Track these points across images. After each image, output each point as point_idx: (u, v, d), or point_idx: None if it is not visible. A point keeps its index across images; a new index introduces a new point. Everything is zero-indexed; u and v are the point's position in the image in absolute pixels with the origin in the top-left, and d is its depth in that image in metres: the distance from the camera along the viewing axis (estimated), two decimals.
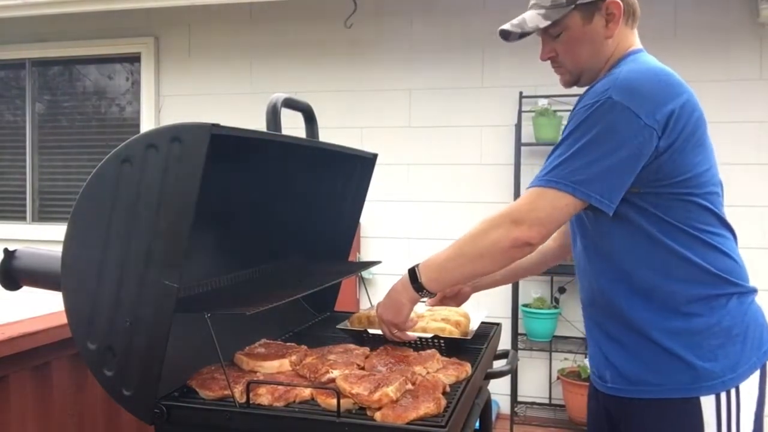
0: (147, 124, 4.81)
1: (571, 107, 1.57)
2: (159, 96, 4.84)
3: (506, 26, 1.52)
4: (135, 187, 1.25)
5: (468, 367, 1.54)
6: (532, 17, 1.47)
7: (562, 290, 4.13)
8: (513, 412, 4.07)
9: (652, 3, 3.53)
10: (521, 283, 4.09)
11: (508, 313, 4.08)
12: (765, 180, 3.87)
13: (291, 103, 1.65)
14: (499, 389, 4.06)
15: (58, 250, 1.39)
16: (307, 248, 2.06)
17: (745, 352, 1.39)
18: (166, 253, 1.24)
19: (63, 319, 1.39)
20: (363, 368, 1.50)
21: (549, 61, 1.55)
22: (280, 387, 1.34)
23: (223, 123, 1.22)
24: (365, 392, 1.27)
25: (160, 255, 1.24)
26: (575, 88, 1.57)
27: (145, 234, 1.25)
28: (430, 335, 1.71)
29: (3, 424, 1.54)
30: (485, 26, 4.18)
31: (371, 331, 1.78)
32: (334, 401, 1.25)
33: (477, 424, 1.62)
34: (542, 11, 1.46)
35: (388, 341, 1.67)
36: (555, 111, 3.97)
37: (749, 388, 1.39)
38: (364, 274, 4.08)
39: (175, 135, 1.22)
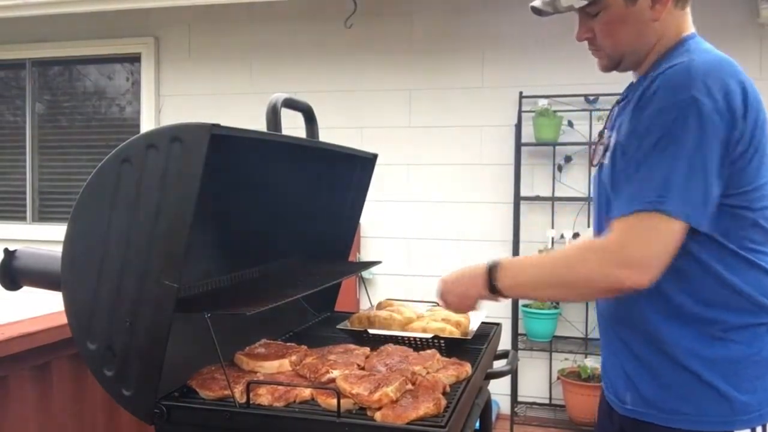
0: (147, 124, 4.81)
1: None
2: (159, 96, 4.84)
3: (537, 3, 1.37)
4: (135, 187, 1.25)
5: (468, 367, 1.54)
6: None
7: None
8: (513, 413, 4.06)
9: None
10: None
11: (508, 313, 4.07)
12: None
13: (291, 103, 1.65)
14: (499, 389, 4.05)
15: (58, 250, 1.39)
16: (307, 248, 2.06)
17: None
18: (166, 253, 1.24)
19: (63, 319, 1.39)
20: (363, 368, 1.50)
21: (586, 42, 1.38)
22: (280, 387, 1.34)
23: (223, 123, 1.22)
24: (365, 392, 1.27)
25: (160, 255, 1.24)
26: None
27: (145, 234, 1.25)
28: (430, 335, 1.71)
29: (3, 423, 1.54)
30: (485, 26, 4.18)
31: (371, 331, 1.78)
32: (334, 401, 1.25)
33: (477, 424, 1.62)
34: None
35: (388, 341, 1.66)
36: (555, 111, 3.96)
37: None
38: (364, 274, 4.08)
39: (175, 135, 1.22)
